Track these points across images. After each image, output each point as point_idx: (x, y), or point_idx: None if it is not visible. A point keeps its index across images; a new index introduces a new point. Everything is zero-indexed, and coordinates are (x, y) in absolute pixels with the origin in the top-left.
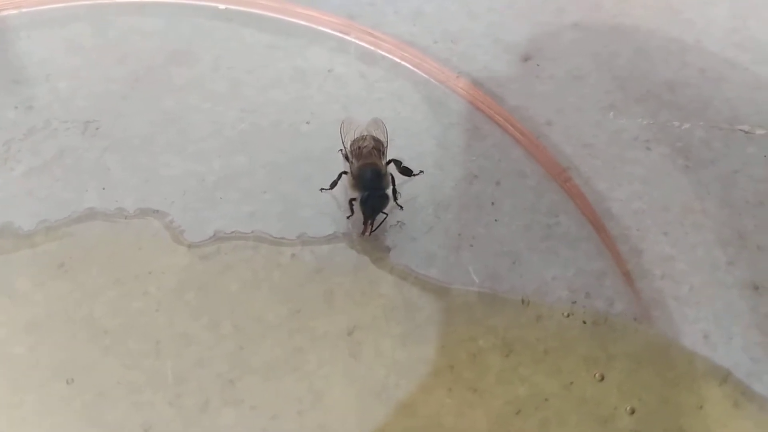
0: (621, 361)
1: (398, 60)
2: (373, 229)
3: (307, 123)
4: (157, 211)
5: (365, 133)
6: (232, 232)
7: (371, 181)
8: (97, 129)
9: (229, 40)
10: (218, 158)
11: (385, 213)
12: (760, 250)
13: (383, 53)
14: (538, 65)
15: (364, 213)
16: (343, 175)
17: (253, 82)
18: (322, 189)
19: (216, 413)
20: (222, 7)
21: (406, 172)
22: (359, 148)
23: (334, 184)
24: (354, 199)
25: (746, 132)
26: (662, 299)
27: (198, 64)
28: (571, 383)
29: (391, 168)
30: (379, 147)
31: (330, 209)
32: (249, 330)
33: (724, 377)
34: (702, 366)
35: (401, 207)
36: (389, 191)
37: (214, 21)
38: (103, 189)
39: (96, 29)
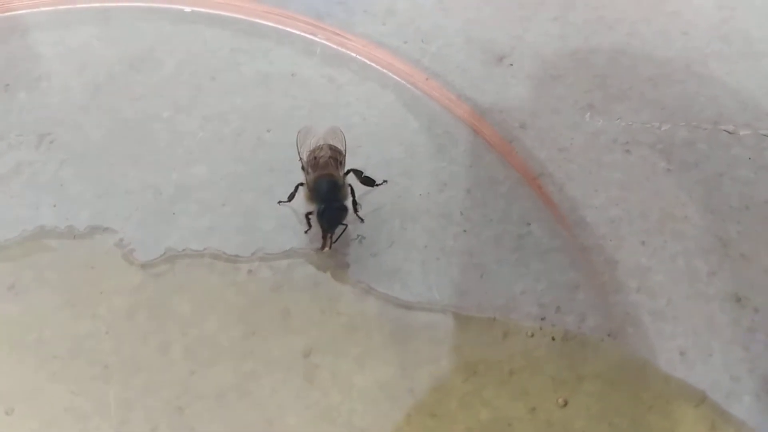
0: (591, 382)
1: (367, 62)
2: (333, 241)
3: (269, 131)
4: (111, 227)
5: (322, 143)
6: (183, 249)
7: (328, 193)
8: (51, 142)
9: (192, 44)
10: (176, 170)
11: (344, 224)
12: (744, 259)
13: (352, 54)
14: (512, 65)
15: (321, 227)
16: (300, 187)
17: (215, 88)
18: (280, 202)
19: None
20: (187, 9)
21: (368, 182)
22: (315, 158)
23: (291, 197)
24: (310, 213)
25: (730, 132)
26: (637, 314)
27: (160, 70)
28: (533, 408)
29: (352, 178)
30: (336, 156)
31: (292, 222)
32: (200, 354)
33: (701, 398)
34: (677, 386)
35: (362, 219)
36: (348, 203)
37: (179, 25)
38: (54, 206)
39: (58, 37)
